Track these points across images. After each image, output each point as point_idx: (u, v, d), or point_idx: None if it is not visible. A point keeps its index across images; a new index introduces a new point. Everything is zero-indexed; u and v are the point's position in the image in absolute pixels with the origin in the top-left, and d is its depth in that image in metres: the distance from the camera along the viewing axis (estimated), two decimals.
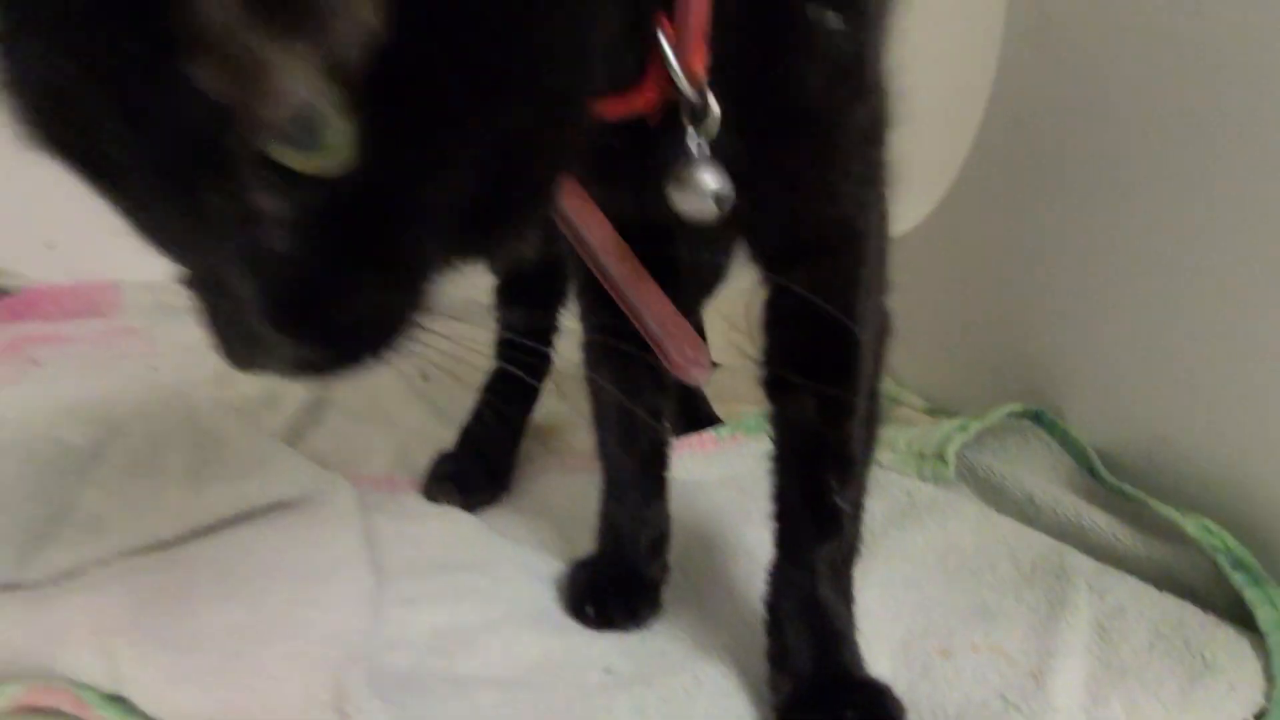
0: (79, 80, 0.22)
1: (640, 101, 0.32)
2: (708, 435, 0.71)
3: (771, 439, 0.44)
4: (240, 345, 0.27)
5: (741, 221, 0.36)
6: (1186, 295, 0.57)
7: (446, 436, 0.73)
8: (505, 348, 0.68)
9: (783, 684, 0.41)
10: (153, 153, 0.23)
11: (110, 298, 1.05)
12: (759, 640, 0.44)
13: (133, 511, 0.52)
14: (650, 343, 0.36)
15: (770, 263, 0.40)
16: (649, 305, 0.36)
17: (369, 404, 0.79)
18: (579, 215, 0.36)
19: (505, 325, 0.68)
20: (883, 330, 0.42)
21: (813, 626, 0.41)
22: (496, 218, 0.28)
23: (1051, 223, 0.69)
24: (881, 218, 0.40)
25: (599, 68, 0.27)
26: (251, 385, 0.80)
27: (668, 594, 0.50)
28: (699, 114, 0.32)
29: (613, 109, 0.32)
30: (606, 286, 0.37)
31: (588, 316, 0.48)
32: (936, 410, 0.79)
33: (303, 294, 0.25)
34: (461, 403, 0.83)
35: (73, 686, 0.37)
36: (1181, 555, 0.51)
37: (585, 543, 0.55)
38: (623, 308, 0.36)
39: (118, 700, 0.36)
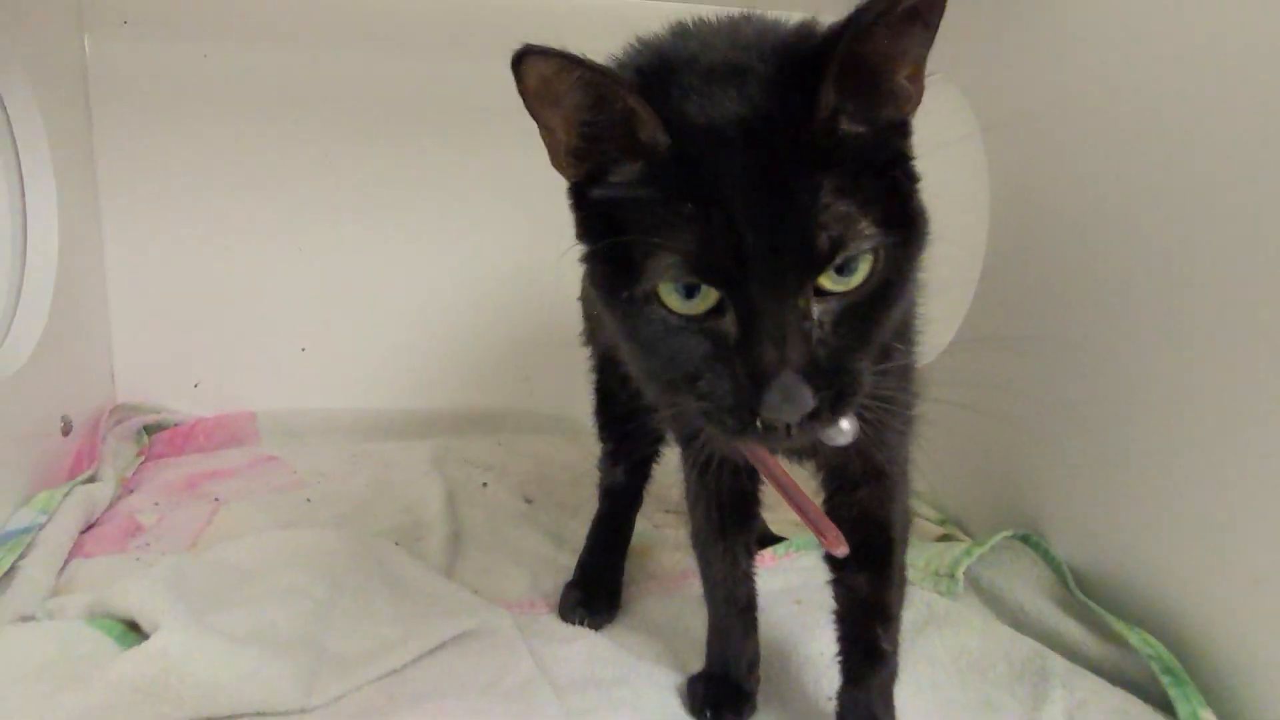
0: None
1: None
2: (767, 552, 0.91)
3: (834, 598, 0.63)
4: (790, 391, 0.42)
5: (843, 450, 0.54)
6: (1142, 451, 0.76)
7: (559, 554, 0.93)
8: (610, 496, 0.88)
9: None
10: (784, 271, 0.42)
11: (248, 427, 1.26)
12: (821, 703, 0.63)
13: (364, 651, 0.71)
14: (811, 527, 0.52)
15: (839, 487, 0.60)
16: (808, 506, 0.52)
17: (492, 533, 0.98)
18: (774, 467, 0.53)
19: (608, 479, 0.88)
20: (907, 525, 0.62)
21: None
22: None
23: (1039, 373, 0.88)
24: (906, 459, 0.60)
25: None
26: (394, 518, 1.00)
27: (760, 698, 0.69)
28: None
29: None
30: (780, 492, 0.52)
31: (709, 478, 0.64)
32: (945, 521, 0.99)
33: (824, 363, 0.43)
34: (560, 516, 1.03)
35: None
36: (1128, 659, 0.70)
37: (688, 651, 0.75)
38: (790, 505, 0.52)
39: None
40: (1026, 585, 0.81)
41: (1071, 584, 0.79)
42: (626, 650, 0.76)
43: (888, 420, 0.57)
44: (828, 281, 0.43)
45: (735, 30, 0.48)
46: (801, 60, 0.43)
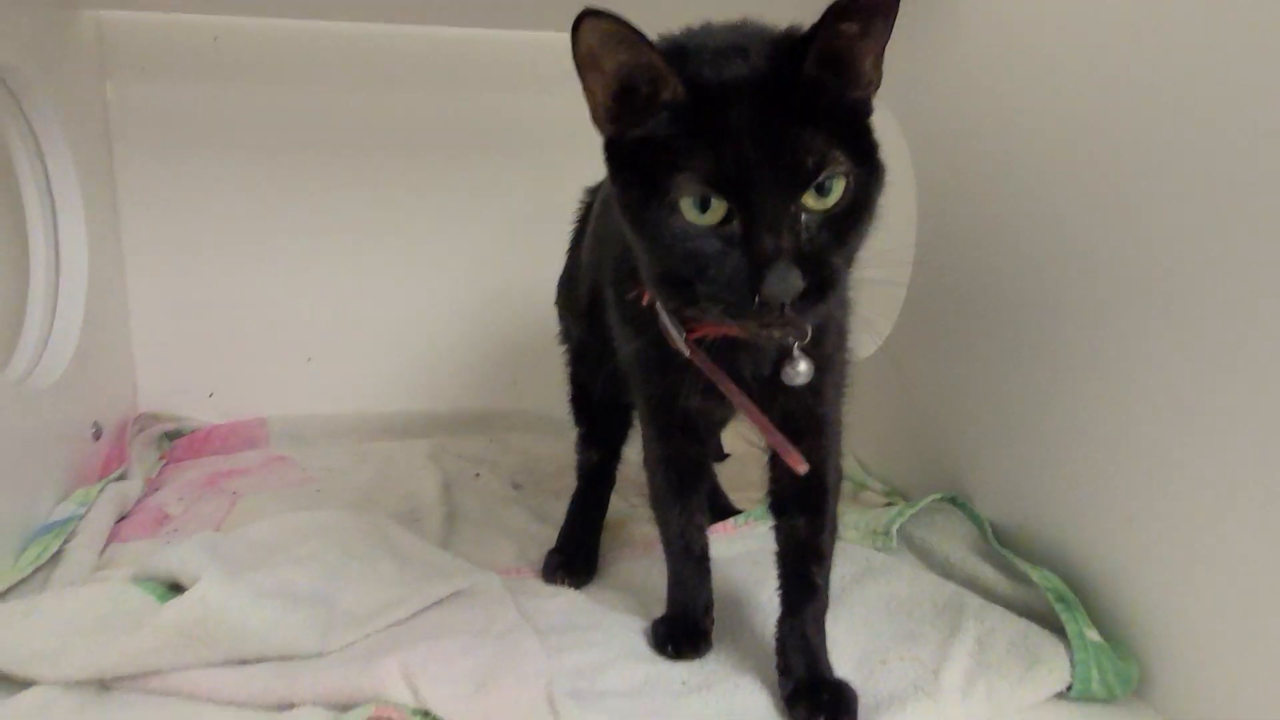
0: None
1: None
2: (729, 522, 1.02)
3: (776, 541, 0.74)
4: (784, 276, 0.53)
5: (794, 397, 0.67)
6: (1046, 425, 0.87)
7: (542, 529, 1.03)
8: (586, 476, 0.99)
9: (786, 684, 0.70)
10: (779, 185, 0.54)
11: (259, 431, 1.36)
12: (771, 660, 0.74)
13: (371, 606, 0.82)
14: (776, 446, 0.64)
15: (789, 437, 0.67)
16: (772, 431, 0.65)
17: (484, 513, 1.09)
18: (729, 386, 0.64)
19: (584, 461, 0.99)
20: (839, 478, 0.74)
21: (803, 650, 0.71)
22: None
23: (963, 365, 1.00)
24: (839, 421, 0.72)
25: None
26: (396, 504, 1.11)
27: (715, 636, 0.80)
28: (803, 332, 0.63)
29: None
30: (745, 413, 0.65)
31: (669, 446, 0.77)
32: (891, 493, 1.10)
33: (810, 257, 0.55)
34: (544, 499, 1.14)
35: (396, 706, 0.67)
36: (1032, 594, 0.81)
37: (655, 604, 0.85)
38: (760, 429, 0.65)
39: (423, 713, 0.66)
40: (952, 539, 0.92)
41: (990, 536, 0.90)
42: (601, 604, 0.87)
43: (829, 377, 0.68)
44: (810, 199, 0.55)
45: (738, 28, 0.61)
46: (791, 42, 0.56)
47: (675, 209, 0.56)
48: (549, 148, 1.36)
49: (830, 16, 0.53)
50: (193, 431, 1.34)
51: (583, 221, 0.98)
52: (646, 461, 0.81)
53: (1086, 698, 0.72)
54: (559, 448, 1.32)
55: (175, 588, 0.78)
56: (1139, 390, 0.74)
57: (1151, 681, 0.73)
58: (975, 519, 0.93)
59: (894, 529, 0.93)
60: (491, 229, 1.42)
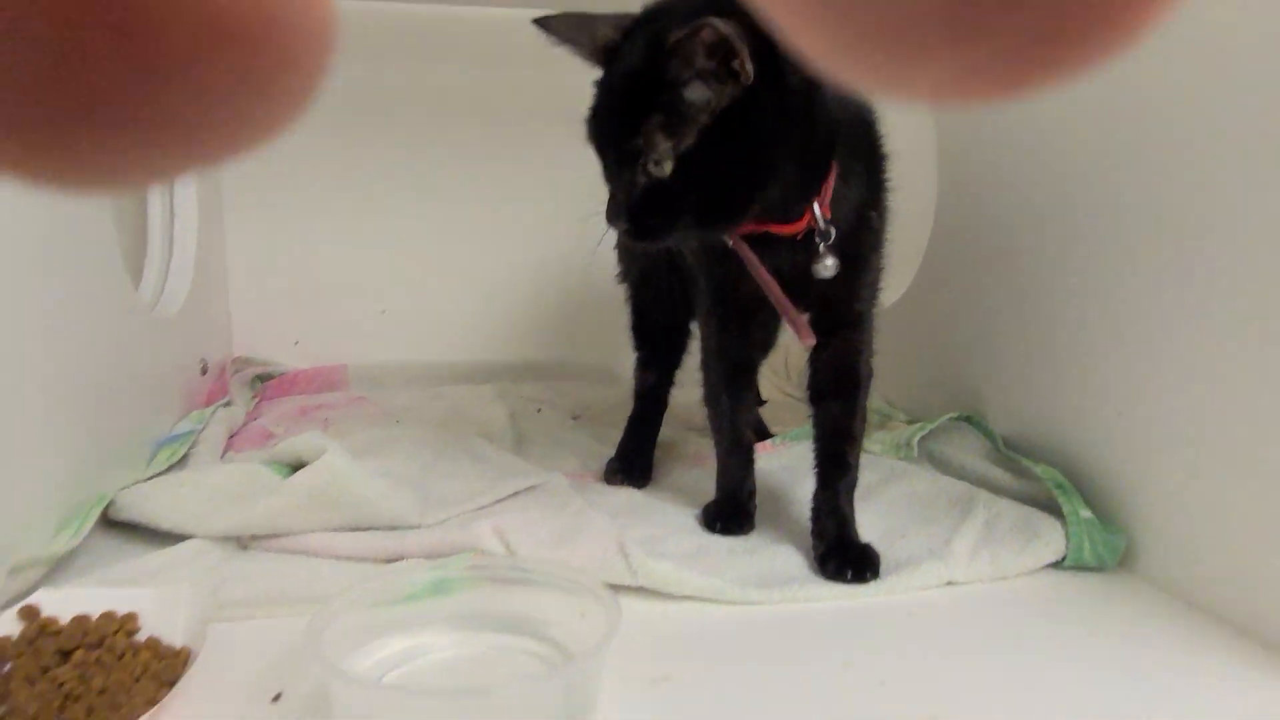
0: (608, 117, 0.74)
1: (800, 225, 0.75)
2: (768, 442, 1.14)
3: (813, 427, 0.86)
4: (613, 217, 0.73)
5: (828, 290, 0.78)
6: (1051, 345, 0.98)
7: (602, 448, 1.16)
8: (643, 397, 1.12)
9: (819, 546, 0.83)
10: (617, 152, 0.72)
11: (340, 376, 1.51)
12: (806, 540, 0.86)
13: (459, 494, 0.95)
14: (790, 323, 0.77)
15: (823, 331, 0.80)
16: (787, 307, 0.76)
17: (547, 437, 1.23)
18: (760, 271, 0.77)
19: (641, 383, 1.12)
20: (870, 370, 0.86)
21: (834, 517, 0.83)
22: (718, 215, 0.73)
23: (978, 302, 1.12)
24: (872, 321, 0.84)
25: (783, 207, 0.73)
26: (470, 430, 1.24)
27: (757, 522, 0.92)
28: (825, 234, 0.75)
29: (789, 229, 0.75)
30: (768, 293, 0.76)
31: (727, 338, 0.89)
32: (912, 420, 1.22)
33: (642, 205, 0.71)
34: (601, 429, 1.27)
35: (490, 553, 0.80)
36: (1035, 486, 0.92)
37: (706, 499, 0.98)
38: (775, 304, 0.76)
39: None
40: (966, 450, 1.04)
41: (1000, 445, 1.02)
42: (657, 499, 0.99)
43: (863, 276, 0.81)
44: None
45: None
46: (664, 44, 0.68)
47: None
48: None
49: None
50: (281, 374, 1.49)
51: None
52: (705, 362, 0.92)
53: (1079, 566, 0.83)
54: (613, 392, 1.45)
55: (298, 470, 0.92)
56: (1127, 304, 0.85)
57: (1138, 552, 0.84)
58: (988, 433, 1.05)
59: (914, 441, 1.05)
60: (551, 195, 1.55)
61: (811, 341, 0.77)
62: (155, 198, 1.26)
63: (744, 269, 0.79)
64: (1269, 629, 0.70)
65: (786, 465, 1.07)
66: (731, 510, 0.91)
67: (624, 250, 1.14)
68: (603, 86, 0.77)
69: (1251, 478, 0.72)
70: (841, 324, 0.82)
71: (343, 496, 0.84)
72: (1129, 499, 0.85)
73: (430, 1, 1.45)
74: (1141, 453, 0.84)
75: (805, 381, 0.87)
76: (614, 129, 0.73)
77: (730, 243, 0.77)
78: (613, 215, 0.73)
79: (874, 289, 0.85)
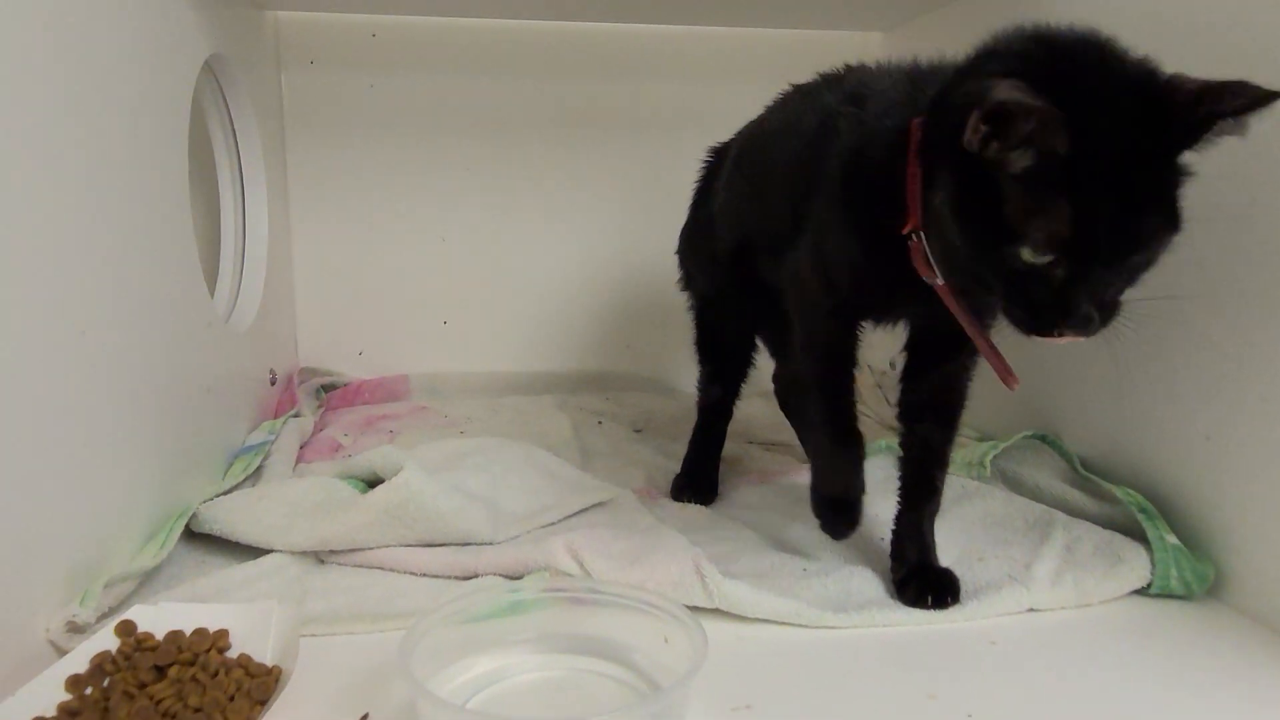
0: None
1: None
2: None
3: (902, 447, 0.83)
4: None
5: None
6: (1132, 364, 0.96)
7: (667, 462, 1.16)
8: (707, 411, 1.11)
9: (899, 570, 0.81)
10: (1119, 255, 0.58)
11: (402, 386, 1.53)
12: (880, 560, 0.85)
13: (530, 509, 0.96)
14: (993, 364, 0.70)
15: (932, 353, 0.80)
16: (989, 347, 0.70)
17: (612, 450, 1.23)
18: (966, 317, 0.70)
19: (706, 396, 1.11)
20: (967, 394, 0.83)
21: (916, 541, 0.81)
22: None
23: None
24: None
25: None
26: (534, 441, 1.25)
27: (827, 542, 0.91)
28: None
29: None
30: (971, 333, 0.70)
31: (846, 335, 0.81)
32: (982, 437, 1.19)
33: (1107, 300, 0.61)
34: (663, 441, 1.26)
35: (564, 573, 0.80)
36: (1116, 510, 0.90)
37: (776, 519, 0.97)
38: (978, 344, 0.70)
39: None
40: (1041, 470, 1.02)
41: (1077, 465, 0.99)
42: (726, 516, 0.99)
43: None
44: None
45: (1108, 60, 0.60)
46: (1171, 109, 0.57)
47: (1014, 244, 0.59)
48: (662, 131, 1.50)
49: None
50: (345, 385, 1.51)
51: (708, 178, 1.09)
52: (805, 358, 0.84)
53: (1166, 594, 0.81)
54: (672, 404, 1.45)
55: (374, 485, 0.93)
56: (1218, 320, 0.83)
57: (1226, 581, 0.82)
58: (1064, 452, 1.02)
59: (988, 459, 1.03)
60: (609, 208, 1.56)
61: (1017, 384, 0.69)
62: (228, 212, 1.29)
63: (900, 287, 0.73)
64: None
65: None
66: (843, 510, 0.84)
67: (689, 254, 1.13)
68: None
69: None
70: (959, 351, 0.79)
71: (419, 513, 0.85)
72: (1217, 525, 0.83)
73: (491, 17, 1.47)
74: (1231, 478, 0.82)
75: (897, 398, 0.85)
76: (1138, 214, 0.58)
77: (936, 284, 0.70)
78: (1086, 316, 0.60)
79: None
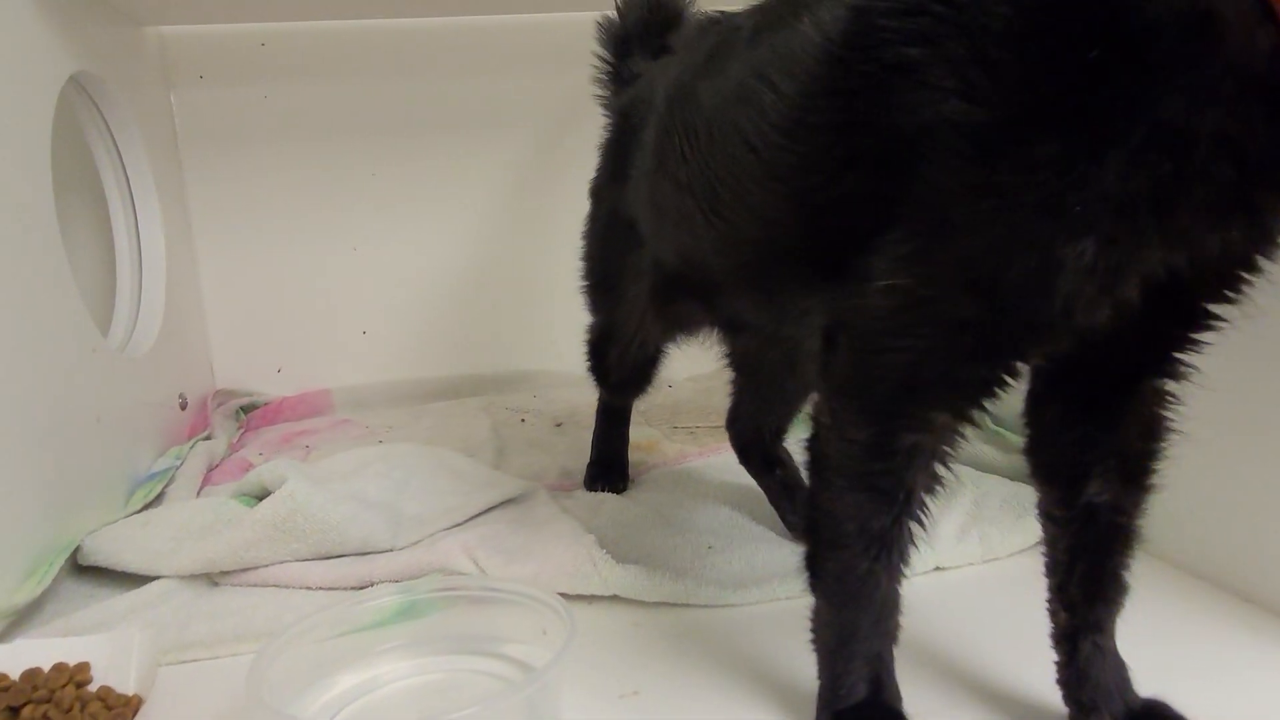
0: None
1: None
2: None
3: (1053, 523, 0.54)
4: None
5: None
6: None
7: (584, 455, 1.13)
8: (607, 408, 1.07)
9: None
10: None
11: (325, 400, 1.49)
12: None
13: (435, 512, 0.93)
14: None
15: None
16: None
17: (530, 445, 1.20)
18: None
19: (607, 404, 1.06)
20: None
21: (1116, 675, 0.53)
22: None
23: None
24: None
25: None
26: (452, 445, 1.22)
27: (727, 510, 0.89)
28: None
29: None
30: None
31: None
32: None
33: None
34: (584, 434, 1.24)
35: (459, 573, 0.77)
36: (1023, 461, 0.89)
37: (688, 500, 0.95)
38: None
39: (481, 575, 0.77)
40: None
41: (987, 422, 0.98)
42: (638, 502, 0.97)
43: None
44: None
45: None
46: None
47: None
48: (569, 120, 1.48)
49: None
50: (265, 404, 1.47)
51: (617, 152, 0.85)
52: (854, 485, 0.50)
53: None
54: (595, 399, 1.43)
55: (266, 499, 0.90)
56: None
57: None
58: None
59: None
60: (524, 203, 1.54)
61: None
62: (121, 235, 1.25)
63: None
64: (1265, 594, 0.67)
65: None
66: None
67: (594, 274, 0.95)
68: None
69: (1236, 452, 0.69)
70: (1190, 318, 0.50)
71: (308, 524, 0.82)
72: None
73: (381, 17, 1.43)
74: None
75: (1033, 452, 0.58)
76: None
77: None
78: None
79: None
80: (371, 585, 0.80)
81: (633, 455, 1.09)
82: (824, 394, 0.51)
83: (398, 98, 1.47)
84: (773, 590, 0.75)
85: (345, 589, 0.81)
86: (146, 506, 1.00)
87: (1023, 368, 0.47)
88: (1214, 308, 0.46)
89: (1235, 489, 0.72)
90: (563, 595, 0.74)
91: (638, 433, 1.17)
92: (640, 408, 1.20)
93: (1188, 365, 0.50)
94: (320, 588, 0.81)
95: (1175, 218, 0.38)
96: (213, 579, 0.83)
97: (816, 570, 0.54)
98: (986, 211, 0.40)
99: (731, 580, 0.76)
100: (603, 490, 1.01)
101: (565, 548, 0.78)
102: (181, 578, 0.82)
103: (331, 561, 0.83)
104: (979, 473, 0.91)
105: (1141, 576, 0.55)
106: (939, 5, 0.40)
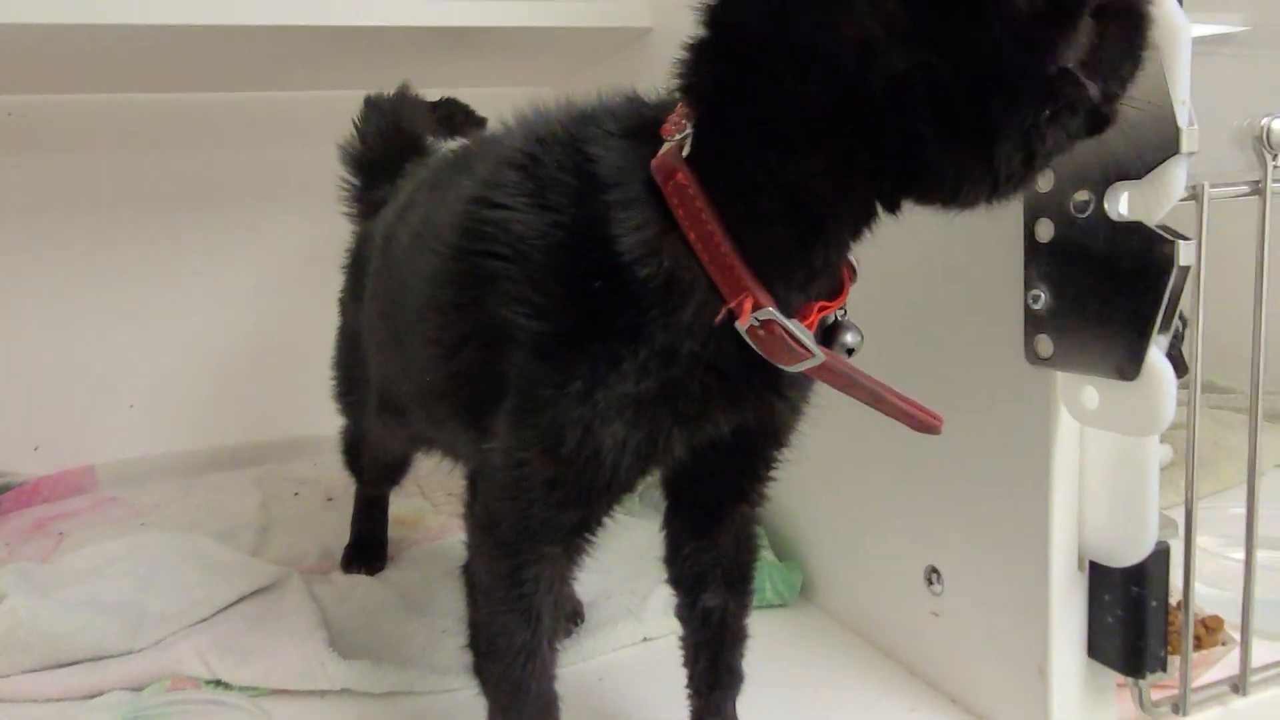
0: None
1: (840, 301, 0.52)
2: None
3: (682, 623, 0.66)
4: None
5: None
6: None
7: (345, 530, 1.16)
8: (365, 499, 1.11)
9: None
10: None
11: (88, 478, 1.44)
12: None
13: (181, 607, 0.94)
14: (902, 416, 0.50)
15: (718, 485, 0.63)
16: (889, 392, 0.50)
17: (298, 523, 1.22)
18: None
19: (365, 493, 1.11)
20: None
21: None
22: None
23: None
24: None
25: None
26: (216, 525, 1.22)
27: None
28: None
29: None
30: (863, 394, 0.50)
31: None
32: None
33: None
34: (344, 511, 1.27)
35: (191, 679, 0.80)
36: None
37: (433, 575, 1.00)
38: (889, 405, 0.50)
39: (215, 682, 0.80)
40: None
41: None
42: (386, 585, 1.01)
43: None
44: None
45: None
46: None
47: None
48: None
49: None
50: (20, 485, 1.41)
51: (355, 272, 0.92)
52: (482, 606, 0.59)
53: (763, 605, 0.91)
54: None
55: None
56: None
57: (814, 587, 0.93)
58: None
59: (640, 494, 1.12)
60: (291, 269, 1.54)
61: (941, 423, 0.51)
62: None
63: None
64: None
65: None
66: None
67: (340, 375, 1.01)
68: None
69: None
70: (748, 464, 0.62)
71: (32, 637, 0.82)
72: (806, 540, 0.94)
73: (129, 91, 1.41)
74: (812, 493, 0.93)
75: (669, 569, 0.67)
76: None
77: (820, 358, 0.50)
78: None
79: None
80: (101, 695, 0.81)
81: (395, 532, 1.14)
82: (467, 530, 0.61)
83: (160, 169, 1.46)
84: None
85: (74, 699, 0.81)
86: None
87: (614, 509, 0.57)
88: (775, 453, 0.61)
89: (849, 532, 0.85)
90: (296, 691, 0.80)
91: (405, 505, 1.22)
92: (415, 473, 1.24)
93: (764, 495, 0.64)
94: (49, 699, 0.81)
95: (684, 410, 0.51)
96: None
97: (481, 677, 0.62)
98: (548, 398, 0.50)
99: (456, 665, 0.82)
100: (358, 572, 1.05)
101: (295, 646, 0.82)
102: None
103: (61, 671, 0.83)
104: None
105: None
106: (505, 237, 0.51)
